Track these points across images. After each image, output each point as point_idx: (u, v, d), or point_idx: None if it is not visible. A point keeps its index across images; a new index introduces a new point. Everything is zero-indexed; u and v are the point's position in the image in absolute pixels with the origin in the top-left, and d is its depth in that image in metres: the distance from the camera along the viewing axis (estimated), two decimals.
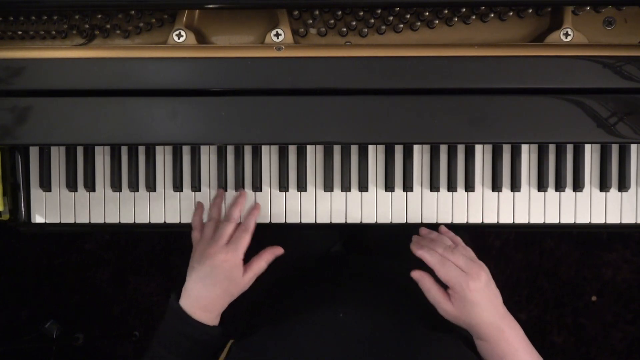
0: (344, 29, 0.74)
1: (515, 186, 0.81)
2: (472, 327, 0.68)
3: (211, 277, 0.70)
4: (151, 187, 0.81)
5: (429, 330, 0.70)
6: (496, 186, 0.81)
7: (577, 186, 0.80)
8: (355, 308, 0.71)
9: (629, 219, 0.81)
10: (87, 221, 0.83)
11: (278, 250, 0.76)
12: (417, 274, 0.70)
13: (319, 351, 0.64)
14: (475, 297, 0.66)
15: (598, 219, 0.81)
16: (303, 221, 0.82)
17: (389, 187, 0.81)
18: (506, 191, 0.81)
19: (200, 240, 0.75)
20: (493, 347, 0.67)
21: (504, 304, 0.70)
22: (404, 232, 0.85)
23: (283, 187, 0.81)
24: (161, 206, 0.82)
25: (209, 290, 0.70)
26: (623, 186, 0.80)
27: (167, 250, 1.65)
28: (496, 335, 0.67)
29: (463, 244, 0.73)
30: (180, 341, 0.70)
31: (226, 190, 0.82)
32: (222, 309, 0.73)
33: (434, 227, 0.82)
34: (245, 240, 0.73)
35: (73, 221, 0.83)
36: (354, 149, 0.81)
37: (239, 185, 0.81)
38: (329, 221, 0.82)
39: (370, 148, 0.81)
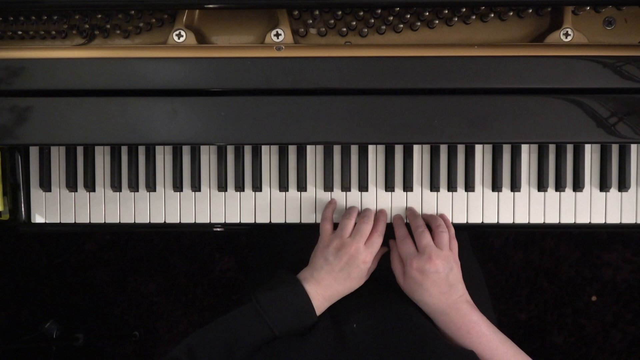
0: (344, 29, 0.74)
1: (515, 186, 0.81)
2: (419, 305, 0.73)
3: (346, 272, 0.72)
4: (151, 187, 0.81)
5: (441, 343, 0.69)
6: (496, 186, 0.81)
7: (577, 186, 0.80)
8: (366, 317, 0.70)
9: (629, 219, 0.81)
10: (87, 221, 0.83)
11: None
12: (391, 243, 0.78)
13: None
14: (418, 277, 0.71)
15: (598, 219, 0.81)
16: (303, 221, 0.82)
17: (389, 187, 0.81)
18: (506, 191, 0.81)
19: (335, 233, 0.75)
20: (441, 327, 0.72)
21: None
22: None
23: (283, 187, 0.81)
24: (161, 206, 0.82)
25: (339, 283, 0.73)
26: (623, 186, 0.80)
27: (167, 250, 1.65)
28: (438, 318, 0.71)
29: (452, 233, 0.76)
30: (292, 317, 0.69)
31: (226, 191, 0.82)
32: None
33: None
34: (379, 244, 0.75)
35: (73, 221, 0.83)
36: (354, 149, 0.81)
37: (239, 185, 0.81)
38: None
39: (370, 148, 0.81)
